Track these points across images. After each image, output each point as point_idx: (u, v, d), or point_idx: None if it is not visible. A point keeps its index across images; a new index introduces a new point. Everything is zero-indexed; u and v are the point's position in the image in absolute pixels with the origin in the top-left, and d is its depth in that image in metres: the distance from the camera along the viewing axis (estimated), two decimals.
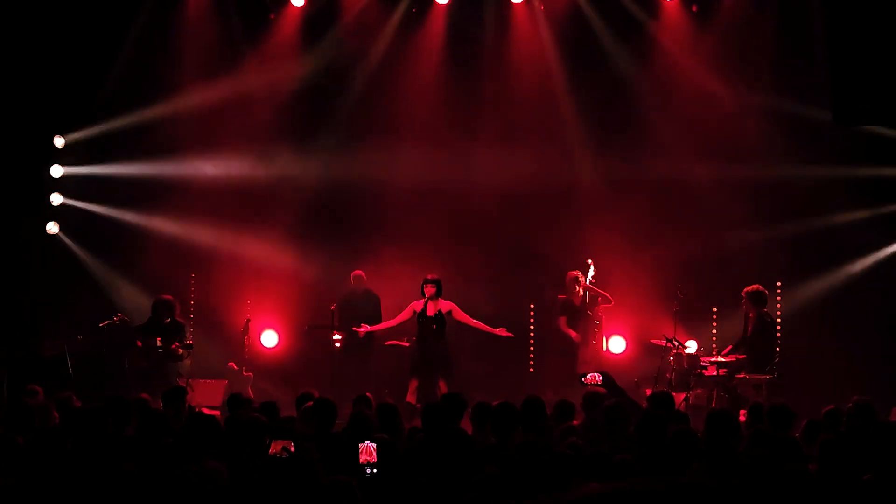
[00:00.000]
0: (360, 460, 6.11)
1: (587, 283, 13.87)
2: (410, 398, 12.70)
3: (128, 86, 15.28)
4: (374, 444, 6.14)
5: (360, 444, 6.16)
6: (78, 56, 14.73)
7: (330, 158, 15.59)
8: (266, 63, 15.61)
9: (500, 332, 13.15)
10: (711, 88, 14.76)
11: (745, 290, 12.94)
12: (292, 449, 6.14)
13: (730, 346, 13.06)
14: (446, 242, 15.03)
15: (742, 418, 10.15)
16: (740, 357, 12.69)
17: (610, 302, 13.97)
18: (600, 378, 10.77)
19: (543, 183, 15.10)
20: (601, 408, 8.68)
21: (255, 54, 15.62)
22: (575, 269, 14.07)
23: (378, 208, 15.45)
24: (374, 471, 6.06)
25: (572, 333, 13.96)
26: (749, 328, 12.93)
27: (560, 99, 15.26)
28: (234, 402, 9.48)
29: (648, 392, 11.58)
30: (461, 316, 13.06)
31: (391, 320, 13.40)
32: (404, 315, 13.16)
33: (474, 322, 13.12)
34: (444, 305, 13.01)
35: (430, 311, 12.96)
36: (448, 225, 15.22)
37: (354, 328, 13.97)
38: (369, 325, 14.33)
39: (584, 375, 10.65)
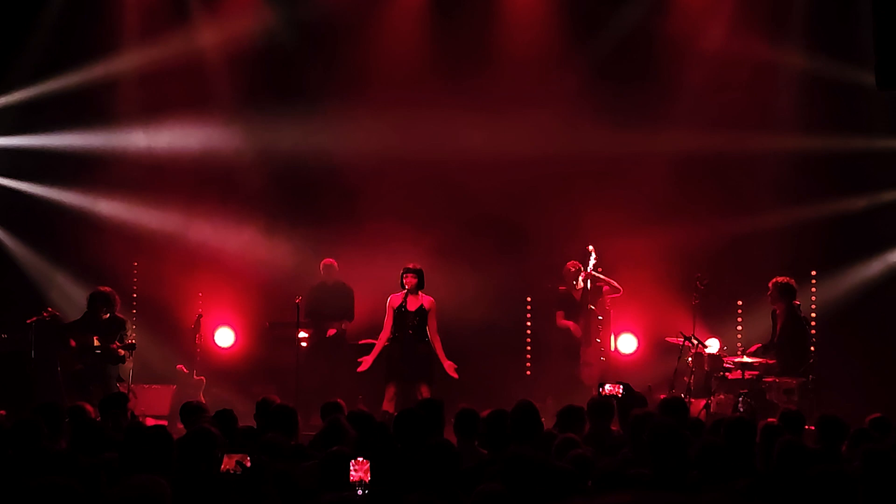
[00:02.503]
0: (352, 479, 6.06)
1: (589, 272, 13.84)
2: (387, 406, 12.65)
3: (60, 43, 15.18)
4: (369, 461, 6.08)
5: (351, 461, 6.11)
6: None
7: (295, 128, 15.52)
8: (220, 18, 15.53)
9: (448, 367, 13.02)
10: (736, 47, 14.74)
11: (773, 281, 12.96)
12: (247, 464, 6.10)
13: (757, 346, 13.06)
14: (430, 226, 14.99)
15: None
16: (769, 361, 12.69)
17: (619, 291, 13.95)
18: (622, 389, 10.70)
19: (542, 156, 15.06)
20: (613, 419, 8.71)
21: (206, 8, 15.53)
22: (573, 259, 14.07)
23: (351, 186, 15.39)
24: (367, 491, 6.00)
25: (571, 325, 13.95)
26: (778, 326, 12.95)
27: (561, 58, 15.22)
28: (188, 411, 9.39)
29: (662, 397, 11.54)
30: (431, 322, 12.96)
31: (382, 333, 13.09)
32: (389, 318, 13.03)
33: (435, 338, 13.00)
34: (427, 301, 12.95)
35: (411, 306, 12.90)
36: (432, 206, 15.19)
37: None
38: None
39: (603, 385, 10.64)
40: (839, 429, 8.07)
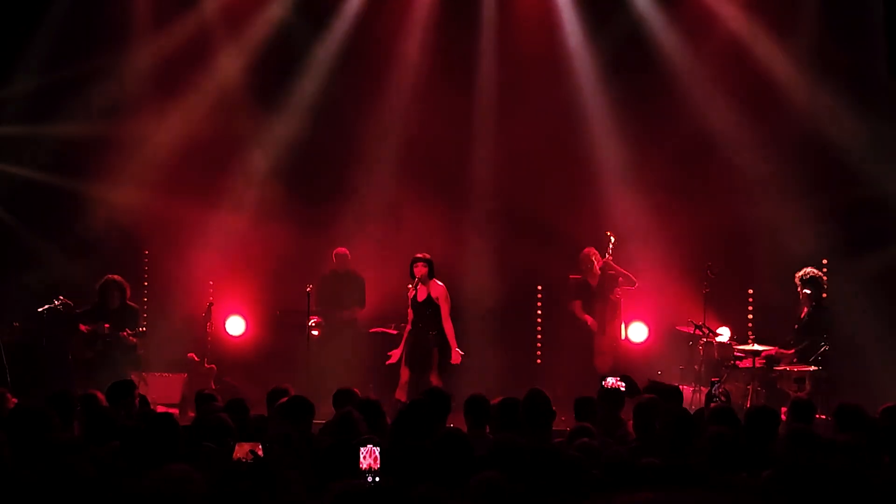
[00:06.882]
0: (362, 467, 6.08)
1: (607, 260, 13.85)
2: (399, 394, 12.71)
3: (68, 33, 15.19)
4: (378, 449, 6.11)
5: (361, 448, 6.13)
6: None
7: (306, 115, 15.54)
8: (230, 4, 15.52)
9: (455, 354, 12.87)
10: (747, 35, 14.72)
11: (798, 275, 12.97)
12: (260, 453, 6.11)
13: (775, 349, 13.04)
14: (441, 215, 15.00)
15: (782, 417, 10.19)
16: (789, 351, 12.71)
17: (633, 284, 13.95)
18: (622, 384, 10.78)
19: (552, 143, 15.07)
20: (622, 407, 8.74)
21: None
22: (590, 245, 14.08)
23: (363, 174, 15.41)
24: (377, 479, 6.03)
25: (588, 319, 13.99)
26: (803, 314, 12.96)
27: (572, 46, 15.21)
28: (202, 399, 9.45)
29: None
30: (443, 309, 12.98)
31: (407, 325, 13.12)
32: (410, 309, 13.09)
33: (447, 325, 13.00)
34: (436, 289, 12.98)
35: (421, 296, 12.95)
36: (443, 195, 15.20)
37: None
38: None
39: (605, 379, 10.72)
40: (858, 419, 8.00)
